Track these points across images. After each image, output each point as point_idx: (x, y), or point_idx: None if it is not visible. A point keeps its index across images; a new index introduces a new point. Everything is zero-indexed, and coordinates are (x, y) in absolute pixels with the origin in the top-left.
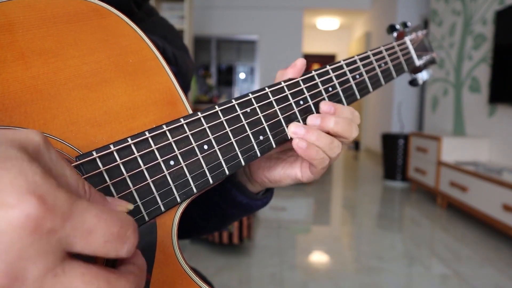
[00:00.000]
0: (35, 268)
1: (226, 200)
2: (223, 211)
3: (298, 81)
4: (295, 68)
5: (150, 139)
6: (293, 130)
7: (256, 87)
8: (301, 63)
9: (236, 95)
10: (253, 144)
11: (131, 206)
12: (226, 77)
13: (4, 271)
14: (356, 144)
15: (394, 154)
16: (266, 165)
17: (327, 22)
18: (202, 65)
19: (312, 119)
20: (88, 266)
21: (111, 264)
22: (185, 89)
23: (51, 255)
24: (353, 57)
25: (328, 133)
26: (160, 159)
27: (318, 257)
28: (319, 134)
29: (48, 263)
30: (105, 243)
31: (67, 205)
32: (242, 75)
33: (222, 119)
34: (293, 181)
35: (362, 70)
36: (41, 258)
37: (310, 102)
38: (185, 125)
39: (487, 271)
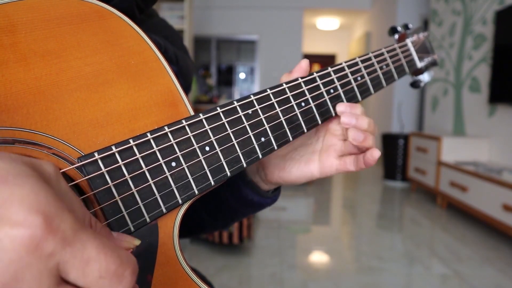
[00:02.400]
0: None
1: (237, 198)
2: (232, 208)
3: (299, 83)
4: (301, 69)
5: (151, 141)
6: (345, 121)
7: (256, 87)
8: (305, 63)
9: (236, 95)
10: (254, 146)
11: (137, 242)
12: (226, 77)
13: None
14: None
15: (394, 154)
16: (281, 166)
17: (327, 22)
18: (202, 65)
19: (347, 117)
20: None
21: None
22: (186, 89)
23: (47, 279)
24: (354, 58)
25: None
26: (161, 161)
27: (318, 257)
28: (369, 122)
29: (42, 287)
30: (100, 278)
31: (71, 231)
32: (242, 75)
33: (224, 120)
34: (309, 179)
35: (364, 72)
36: (36, 281)
37: (312, 104)
38: (186, 127)
39: (487, 271)
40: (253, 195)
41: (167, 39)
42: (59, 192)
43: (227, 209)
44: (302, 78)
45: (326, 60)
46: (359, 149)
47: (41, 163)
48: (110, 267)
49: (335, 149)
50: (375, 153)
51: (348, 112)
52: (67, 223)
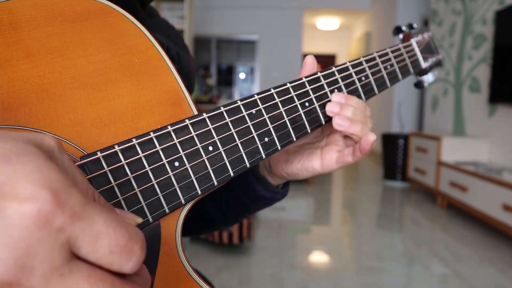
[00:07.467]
0: (42, 266)
1: (249, 194)
2: (244, 204)
3: (303, 82)
4: (307, 66)
5: (154, 140)
6: (330, 109)
7: (256, 87)
8: (310, 60)
9: (236, 95)
10: (258, 146)
11: (139, 220)
12: (226, 77)
13: (11, 266)
14: None
15: (394, 154)
16: (284, 159)
17: (327, 22)
18: (202, 65)
19: (331, 106)
20: (94, 268)
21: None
22: (189, 89)
23: (59, 253)
24: (358, 58)
25: None
26: (164, 160)
27: (318, 257)
28: (354, 110)
29: (55, 262)
30: (110, 253)
31: (79, 205)
32: (242, 75)
33: (227, 120)
34: (311, 173)
35: (368, 72)
36: (49, 256)
37: (316, 104)
38: (190, 126)
39: (487, 271)
40: (264, 192)
41: (169, 38)
42: (62, 166)
43: (239, 205)
44: (306, 77)
45: (326, 60)
46: (356, 141)
47: (43, 137)
48: (120, 241)
49: (337, 145)
50: (370, 137)
51: (334, 101)
52: (75, 198)
